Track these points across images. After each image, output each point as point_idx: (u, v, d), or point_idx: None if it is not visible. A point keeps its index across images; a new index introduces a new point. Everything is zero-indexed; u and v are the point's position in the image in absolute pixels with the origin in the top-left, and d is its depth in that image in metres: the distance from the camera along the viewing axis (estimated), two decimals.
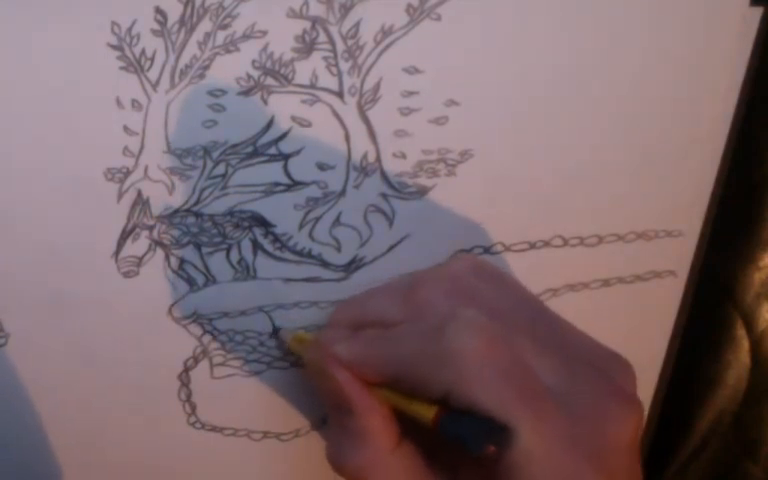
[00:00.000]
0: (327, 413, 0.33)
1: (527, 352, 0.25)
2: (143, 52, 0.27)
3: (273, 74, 0.28)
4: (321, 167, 0.30)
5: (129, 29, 0.27)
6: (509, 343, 0.25)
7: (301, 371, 0.33)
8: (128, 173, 0.28)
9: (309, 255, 0.31)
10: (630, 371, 0.26)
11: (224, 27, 0.27)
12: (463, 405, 0.24)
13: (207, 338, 0.32)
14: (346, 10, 0.28)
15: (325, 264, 0.31)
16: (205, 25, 0.27)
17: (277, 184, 0.30)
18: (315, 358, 0.29)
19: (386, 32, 0.28)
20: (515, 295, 0.28)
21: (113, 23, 0.26)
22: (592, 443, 0.24)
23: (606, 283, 0.35)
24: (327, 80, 0.29)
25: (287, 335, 0.32)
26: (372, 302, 0.30)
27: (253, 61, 0.28)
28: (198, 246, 0.30)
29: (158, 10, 0.27)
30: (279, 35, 0.28)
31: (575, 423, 0.24)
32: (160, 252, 0.30)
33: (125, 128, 0.28)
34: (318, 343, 0.29)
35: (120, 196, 0.29)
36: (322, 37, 0.28)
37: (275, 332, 0.32)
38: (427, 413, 0.25)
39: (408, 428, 0.27)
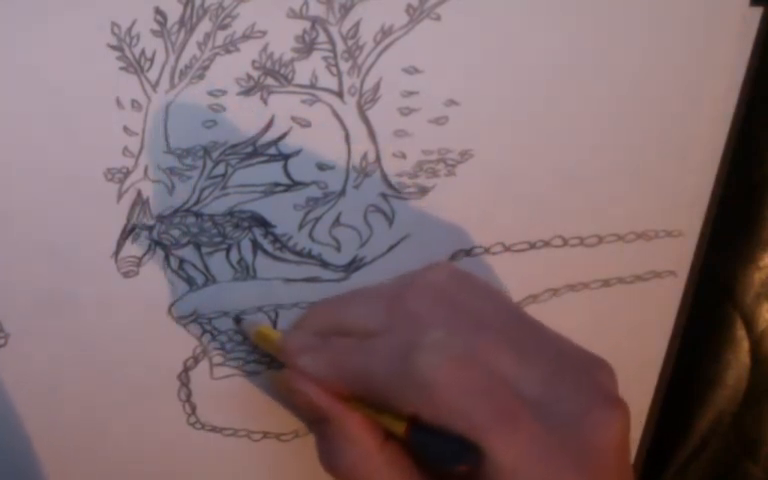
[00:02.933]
0: (305, 421, 0.33)
1: (506, 362, 0.25)
2: (143, 52, 0.27)
3: (273, 74, 0.28)
4: (321, 167, 0.30)
5: (129, 29, 0.27)
6: (482, 358, 0.25)
7: (267, 380, 0.32)
8: (128, 173, 0.28)
9: (309, 255, 0.31)
10: (611, 373, 0.26)
11: (224, 27, 0.27)
12: (433, 425, 0.24)
13: (207, 338, 0.31)
14: (346, 10, 0.28)
15: (325, 264, 0.31)
16: (205, 25, 0.27)
17: (277, 184, 0.30)
18: (280, 376, 0.28)
19: (386, 32, 0.28)
20: (494, 302, 0.28)
21: (113, 23, 0.26)
22: (575, 448, 0.24)
23: (606, 283, 0.35)
24: (327, 80, 0.29)
25: (250, 327, 0.31)
26: (347, 308, 0.29)
27: (253, 61, 0.28)
28: (198, 246, 0.30)
29: (158, 10, 0.27)
30: (279, 35, 0.28)
31: (556, 430, 0.24)
32: (160, 252, 0.30)
33: (125, 128, 0.28)
34: (282, 349, 0.28)
35: (120, 196, 0.29)
36: (322, 37, 0.28)
37: (237, 322, 0.31)
38: (398, 428, 0.25)
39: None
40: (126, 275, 0.30)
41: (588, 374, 0.26)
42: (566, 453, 0.24)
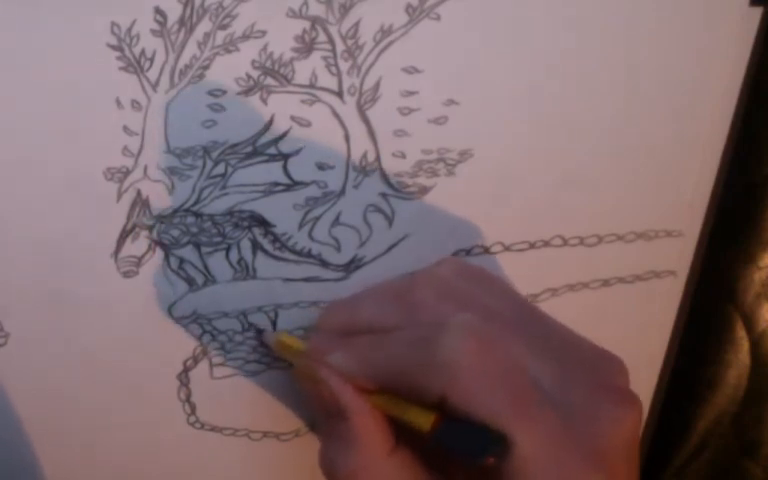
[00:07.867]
0: (317, 419, 0.33)
1: (521, 354, 0.25)
2: (143, 52, 0.27)
3: (273, 74, 0.28)
4: (321, 167, 0.30)
5: (129, 29, 0.27)
6: (503, 347, 0.25)
7: (290, 374, 0.32)
8: (128, 173, 0.28)
9: (309, 255, 0.31)
10: (623, 369, 0.26)
11: (224, 27, 0.27)
12: (459, 414, 0.24)
13: (207, 338, 0.32)
14: (346, 10, 0.28)
15: (325, 264, 0.31)
16: (205, 25, 0.27)
17: (277, 184, 0.30)
18: (305, 367, 0.28)
19: (385, 32, 0.28)
20: (505, 296, 0.28)
21: (113, 23, 0.26)
22: (591, 443, 0.24)
23: (606, 283, 0.35)
24: (326, 80, 0.29)
25: (271, 337, 0.31)
26: (362, 307, 0.29)
27: (253, 61, 0.28)
28: (197, 246, 0.30)
29: (158, 10, 0.27)
30: (279, 35, 0.28)
31: (572, 424, 0.24)
32: (160, 252, 0.30)
33: (125, 128, 0.28)
34: (307, 351, 0.29)
35: (120, 196, 0.29)
36: (322, 37, 0.28)
37: (258, 333, 0.32)
38: (423, 422, 0.25)
39: (404, 433, 0.27)
40: (126, 275, 0.30)
41: (600, 369, 0.26)
42: (578, 446, 0.24)
